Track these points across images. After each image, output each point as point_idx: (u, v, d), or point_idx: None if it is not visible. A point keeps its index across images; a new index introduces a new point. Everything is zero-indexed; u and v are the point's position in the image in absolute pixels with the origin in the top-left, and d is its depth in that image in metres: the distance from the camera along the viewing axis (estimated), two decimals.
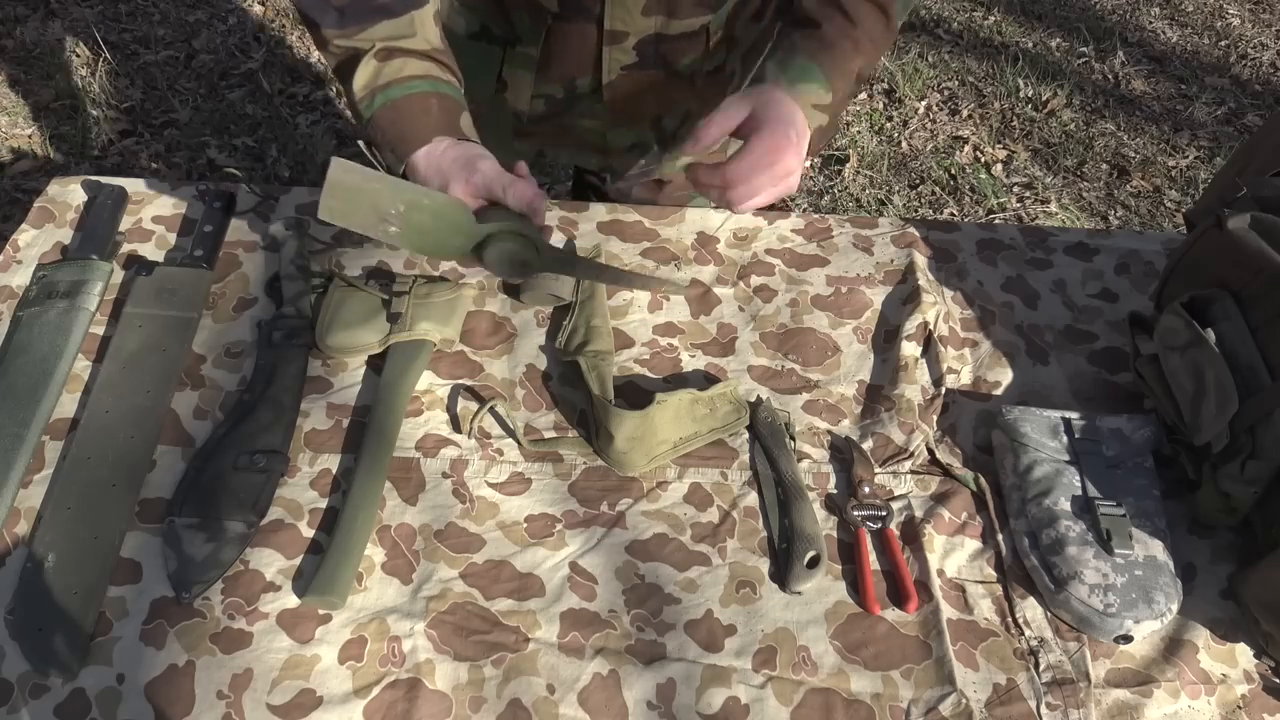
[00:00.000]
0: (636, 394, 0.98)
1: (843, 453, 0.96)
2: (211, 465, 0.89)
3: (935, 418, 0.99)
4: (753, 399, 1.00)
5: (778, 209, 1.17)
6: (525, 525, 0.89)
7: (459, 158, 0.83)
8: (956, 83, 2.82)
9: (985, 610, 0.86)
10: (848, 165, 2.53)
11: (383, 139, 0.85)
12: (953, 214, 2.45)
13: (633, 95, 1.04)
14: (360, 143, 0.90)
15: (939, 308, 1.07)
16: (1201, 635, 0.86)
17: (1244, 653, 0.85)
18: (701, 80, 1.06)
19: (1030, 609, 0.86)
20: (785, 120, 0.83)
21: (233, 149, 2.42)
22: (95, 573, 0.82)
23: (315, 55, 2.68)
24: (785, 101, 0.84)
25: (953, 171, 2.55)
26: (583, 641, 0.82)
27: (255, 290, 1.04)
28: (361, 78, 0.82)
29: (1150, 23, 3.09)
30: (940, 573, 0.88)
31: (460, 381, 0.99)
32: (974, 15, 3.06)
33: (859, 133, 2.63)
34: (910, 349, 1.03)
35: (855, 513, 0.90)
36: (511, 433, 0.94)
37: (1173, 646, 0.85)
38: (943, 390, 1.01)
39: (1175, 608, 0.84)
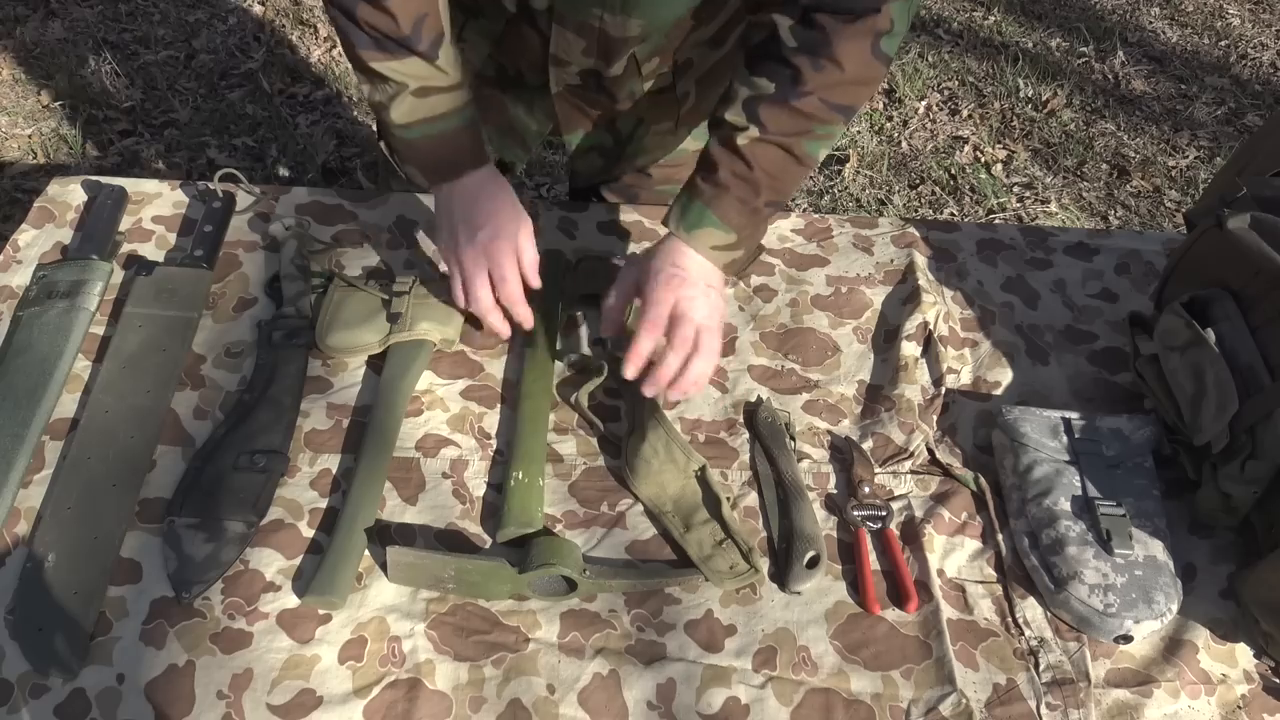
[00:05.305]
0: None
1: (843, 453, 0.96)
2: (211, 465, 0.89)
3: (935, 418, 0.99)
4: (753, 399, 1.00)
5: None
6: None
7: (487, 223, 0.96)
8: (956, 83, 2.82)
9: (985, 610, 0.86)
10: (848, 165, 2.53)
11: (417, 161, 0.99)
12: (953, 214, 2.45)
13: (581, 105, 1.09)
14: (382, 145, 1.01)
15: (939, 308, 1.07)
16: (1201, 635, 0.86)
17: (1244, 653, 0.85)
18: (646, 100, 1.09)
19: (1030, 609, 0.86)
20: (666, 265, 0.91)
21: (233, 149, 2.42)
22: (95, 573, 0.82)
23: (315, 55, 2.68)
24: (673, 250, 0.92)
25: (953, 171, 2.55)
26: (583, 641, 0.82)
27: (255, 290, 1.04)
28: (401, 110, 0.93)
29: (1150, 23, 3.09)
30: (940, 573, 0.88)
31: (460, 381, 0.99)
32: (974, 15, 3.06)
33: (859, 133, 2.63)
34: (910, 349, 1.03)
35: (855, 513, 0.90)
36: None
37: (1173, 646, 0.85)
38: (943, 390, 1.01)
39: (1175, 608, 0.84)
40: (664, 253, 0.93)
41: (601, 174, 1.22)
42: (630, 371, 0.91)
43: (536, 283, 0.97)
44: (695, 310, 0.90)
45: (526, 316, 0.97)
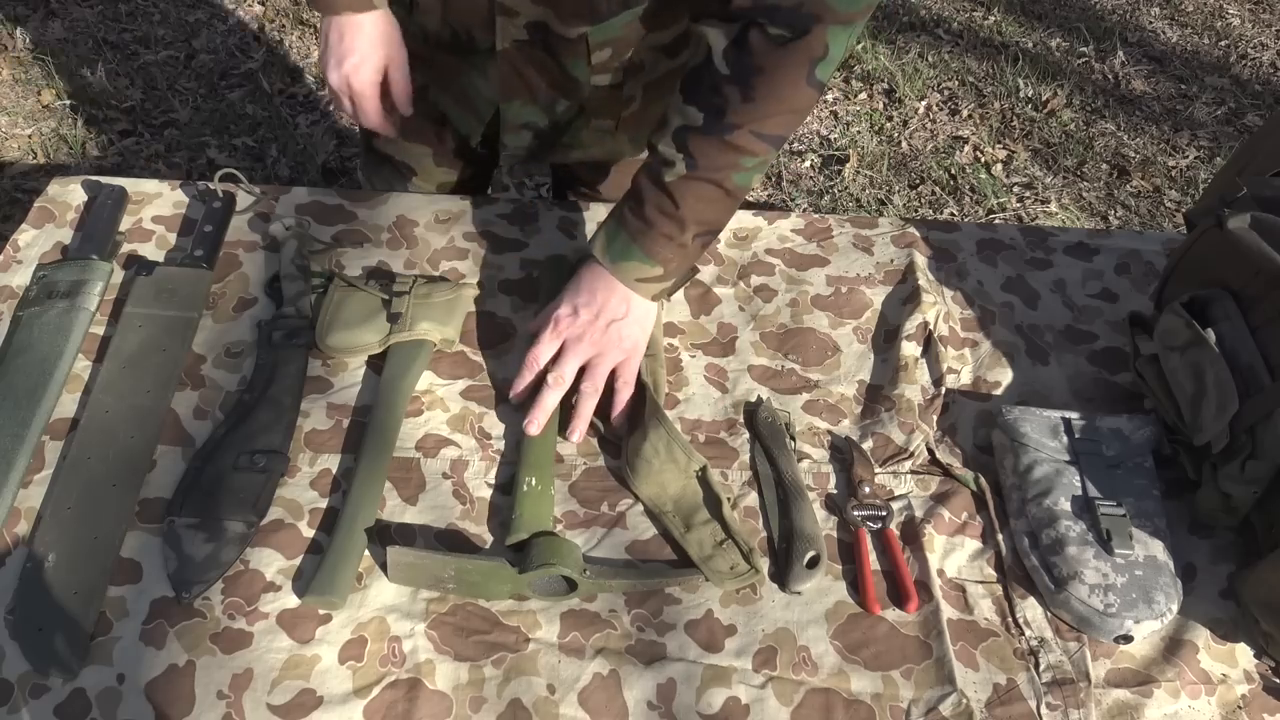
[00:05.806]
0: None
1: (843, 453, 0.96)
2: (211, 465, 0.89)
3: (935, 418, 0.99)
4: (753, 399, 1.00)
5: (778, 209, 1.18)
6: None
7: (352, 54, 1.04)
8: (956, 83, 2.82)
9: (985, 610, 0.86)
10: (848, 165, 2.53)
11: None
12: (953, 214, 2.45)
13: (525, 71, 1.08)
14: None
15: (939, 308, 1.07)
16: (1201, 635, 0.86)
17: (1244, 653, 0.85)
18: (592, 92, 1.08)
19: (1030, 609, 0.86)
20: (579, 298, 0.95)
21: (233, 149, 2.42)
22: (95, 573, 0.82)
23: (315, 55, 2.68)
24: (593, 280, 0.95)
25: (953, 171, 2.55)
26: (583, 641, 0.82)
27: (255, 290, 1.04)
28: None
29: (1150, 23, 3.09)
30: (940, 573, 0.88)
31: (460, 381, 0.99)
32: (974, 15, 3.06)
33: (859, 133, 2.63)
34: (910, 349, 1.03)
35: (855, 513, 0.90)
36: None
37: (1173, 646, 0.85)
38: (943, 390, 1.01)
39: (1175, 608, 0.84)
40: (585, 282, 0.95)
41: (529, 155, 1.19)
42: (514, 392, 0.95)
43: (407, 110, 1.09)
44: (579, 351, 0.93)
45: (390, 131, 1.12)
